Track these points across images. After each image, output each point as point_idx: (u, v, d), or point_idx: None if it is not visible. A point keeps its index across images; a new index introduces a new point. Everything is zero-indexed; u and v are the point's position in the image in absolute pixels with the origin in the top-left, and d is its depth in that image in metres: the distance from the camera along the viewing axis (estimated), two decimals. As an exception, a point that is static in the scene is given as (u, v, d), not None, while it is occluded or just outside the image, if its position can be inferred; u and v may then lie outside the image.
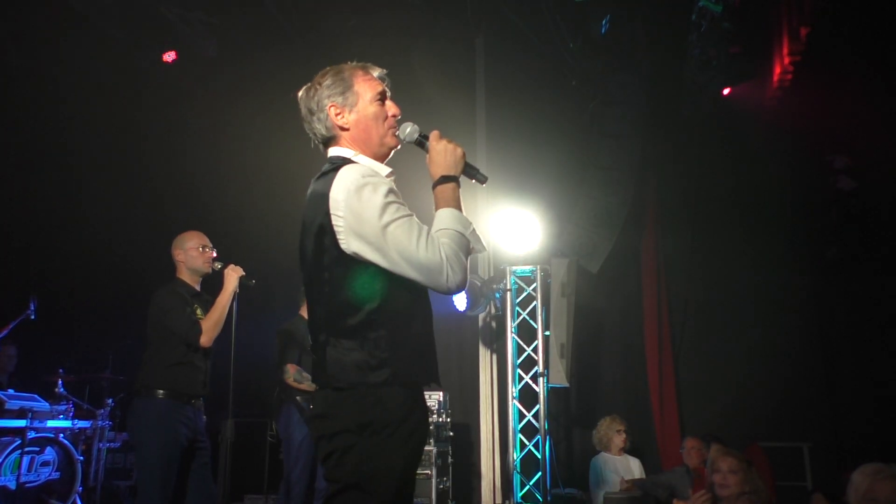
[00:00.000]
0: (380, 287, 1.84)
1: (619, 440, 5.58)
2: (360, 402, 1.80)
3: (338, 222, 1.83)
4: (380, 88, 2.03)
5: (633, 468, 5.52)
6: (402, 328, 1.86)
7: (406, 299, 1.88)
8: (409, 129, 2.02)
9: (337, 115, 1.99)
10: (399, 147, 2.07)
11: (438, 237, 1.84)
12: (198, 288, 3.75)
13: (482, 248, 1.96)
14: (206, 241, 3.77)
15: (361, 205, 1.80)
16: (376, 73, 2.05)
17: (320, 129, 2.01)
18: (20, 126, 6.63)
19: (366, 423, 1.78)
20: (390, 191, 1.84)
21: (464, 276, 1.83)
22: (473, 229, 1.91)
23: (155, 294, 3.62)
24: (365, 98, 2.00)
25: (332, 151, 2.03)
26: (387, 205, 1.80)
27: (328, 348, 1.86)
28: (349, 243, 1.82)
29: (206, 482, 3.48)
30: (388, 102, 2.04)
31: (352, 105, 1.99)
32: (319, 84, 2.02)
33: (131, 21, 6.69)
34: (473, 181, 2.07)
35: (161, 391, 3.40)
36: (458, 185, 1.96)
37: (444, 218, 1.90)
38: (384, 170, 2.01)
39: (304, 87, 2.06)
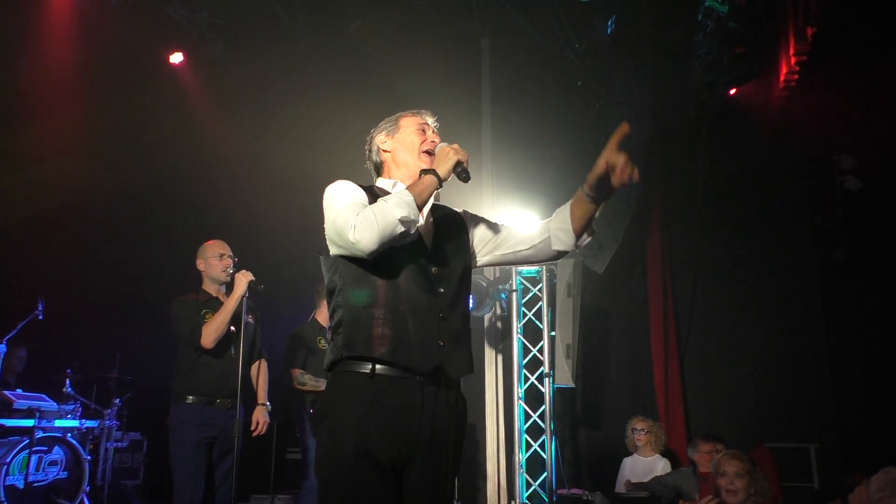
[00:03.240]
0: (339, 278, 2.04)
1: (636, 440, 5.54)
2: (325, 389, 2.04)
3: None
4: (422, 122, 2.27)
5: (657, 470, 5.41)
6: (354, 312, 1.99)
7: (359, 285, 2.00)
8: (438, 148, 2.17)
9: (382, 142, 2.27)
10: None
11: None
12: (221, 295, 3.90)
13: (405, 212, 1.92)
14: (226, 249, 3.93)
15: (325, 207, 2.04)
16: (426, 116, 2.30)
17: (373, 157, 2.29)
18: (27, 126, 6.66)
19: (318, 411, 1.98)
20: (348, 188, 2.06)
21: (366, 232, 1.88)
22: (405, 200, 1.94)
23: (170, 304, 3.84)
24: (407, 129, 2.25)
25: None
26: (336, 197, 2.04)
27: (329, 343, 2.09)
28: (330, 246, 2.04)
29: (225, 483, 3.67)
30: (429, 132, 2.26)
31: (394, 133, 2.26)
32: (376, 127, 2.32)
33: (138, 22, 6.73)
34: (461, 181, 2.14)
35: (186, 395, 3.66)
36: (435, 178, 2.04)
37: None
38: (390, 184, 2.19)
39: None
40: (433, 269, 2.08)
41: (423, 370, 1.96)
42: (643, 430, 5.54)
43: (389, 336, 1.95)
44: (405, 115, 2.28)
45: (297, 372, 4.72)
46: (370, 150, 2.30)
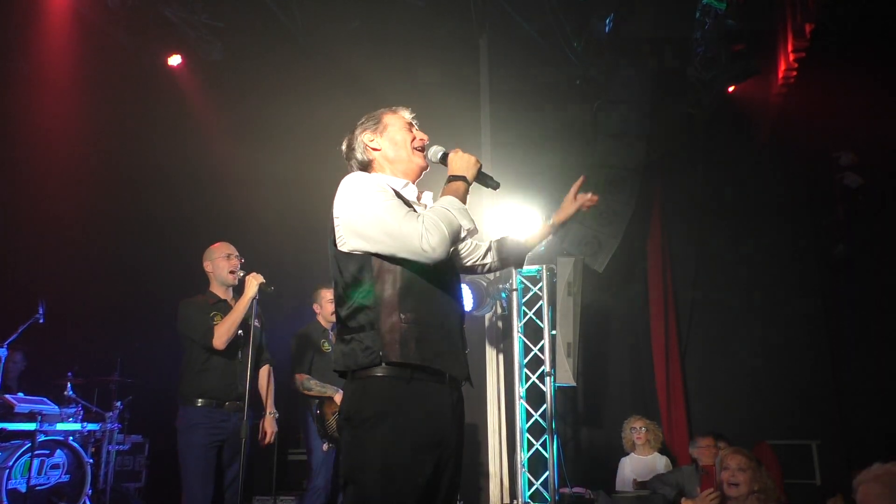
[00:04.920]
0: (368, 277, 1.97)
1: (634, 438, 5.57)
2: (351, 391, 1.96)
3: (337, 223, 2.03)
4: (407, 120, 2.29)
5: (659, 468, 5.46)
6: (389, 316, 1.94)
7: (395, 288, 1.97)
8: (433, 149, 2.23)
9: (370, 140, 2.24)
10: (428, 168, 2.27)
11: (424, 213, 1.97)
12: (229, 297, 3.90)
13: (469, 223, 2.00)
14: (233, 250, 3.94)
15: (351, 201, 2.00)
16: (405, 112, 2.31)
17: (358, 156, 2.25)
18: (26, 129, 6.66)
19: (350, 415, 1.93)
20: (378, 186, 2.01)
21: (440, 238, 1.89)
22: (462, 208, 2.00)
23: (178, 306, 3.82)
24: (394, 126, 2.25)
25: None
26: (373, 194, 1.97)
27: (337, 341, 2.06)
28: (347, 241, 2.00)
29: (235, 483, 3.68)
30: (416, 130, 2.26)
31: (382, 130, 2.24)
32: (356, 126, 2.30)
33: (136, 25, 6.72)
34: (488, 188, 2.26)
35: (196, 398, 3.65)
36: (466, 185, 2.10)
37: (438, 201, 2.04)
38: (400, 182, 2.16)
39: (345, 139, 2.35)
40: (452, 276, 2.13)
41: (461, 375, 2.01)
42: (642, 428, 5.57)
43: (431, 342, 1.95)
44: (386, 113, 2.28)
45: (303, 377, 4.67)
46: (354, 149, 2.26)
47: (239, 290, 3.88)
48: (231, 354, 3.74)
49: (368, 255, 1.97)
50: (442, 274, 2.05)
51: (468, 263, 2.44)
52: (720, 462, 3.67)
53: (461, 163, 2.13)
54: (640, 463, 5.53)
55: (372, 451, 1.86)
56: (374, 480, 1.84)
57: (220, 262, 3.88)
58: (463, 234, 1.96)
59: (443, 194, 2.07)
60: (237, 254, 3.94)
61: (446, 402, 1.98)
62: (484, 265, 2.47)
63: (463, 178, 2.10)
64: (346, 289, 2.02)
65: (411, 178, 2.22)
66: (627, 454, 5.70)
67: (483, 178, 2.20)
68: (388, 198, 1.97)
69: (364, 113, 2.36)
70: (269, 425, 4.01)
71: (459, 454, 2.03)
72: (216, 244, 3.97)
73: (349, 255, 2.00)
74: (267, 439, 4.00)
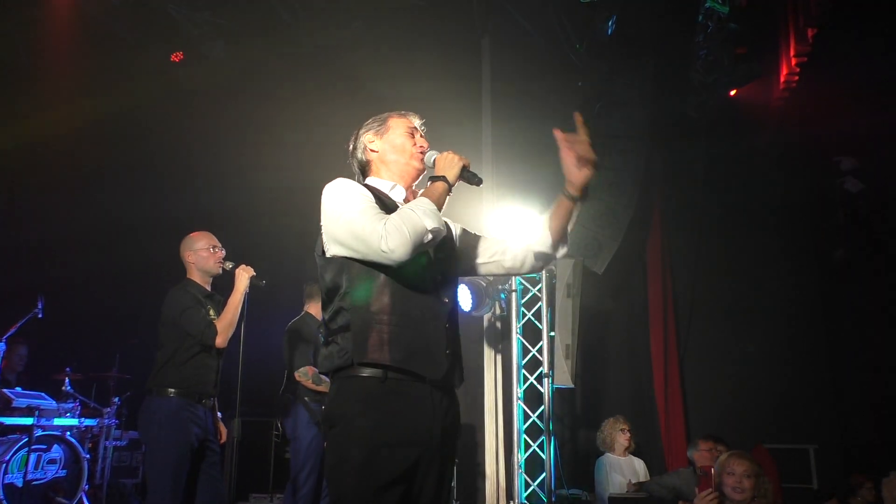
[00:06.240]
0: (345, 280, 2.00)
1: (622, 440, 5.56)
2: (332, 392, 1.99)
3: (322, 231, 2.07)
4: (411, 125, 2.28)
5: (639, 469, 5.51)
6: (362, 317, 1.97)
7: (369, 290, 1.99)
8: (428, 154, 2.23)
9: (370, 141, 2.25)
10: (424, 172, 2.27)
11: (391, 215, 1.97)
12: (209, 288, 3.75)
13: (434, 224, 1.97)
14: (216, 241, 3.77)
15: (328, 208, 2.04)
16: (413, 118, 2.30)
17: (359, 156, 2.28)
18: (27, 126, 6.67)
19: (328, 415, 1.96)
20: (354, 190, 2.04)
21: (401, 240, 1.89)
22: (431, 209, 1.99)
23: (168, 294, 3.61)
24: (396, 130, 2.25)
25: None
26: (346, 198, 2.01)
27: (322, 344, 2.09)
28: (329, 247, 2.04)
29: (216, 482, 3.48)
30: (418, 136, 2.26)
31: (382, 133, 2.25)
32: (361, 125, 2.31)
33: (139, 21, 6.73)
34: (472, 185, 2.24)
35: (172, 390, 3.41)
36: (446, 184, 2.12)
37: (411, 202, 2.05)
38: (388, 185, 2.19)
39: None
40: (438, 276, 2.11)
41: (435, 377, 1.99)
42: (628, 430, 5.57)
43: (403, 343, 1.96)
44: (393, 116, 2.28)
45: (313, 371, 4.58)
46: (355, 148, 2.28)
47: (219, 280, 3.75)
48: (217, 350, 3.58)
49: (346, 260, 2.00)
50: (423, 274, 2.04)
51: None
52: (722, 465, 3.65)
53: (443, 163, 2.16)
54: (624, 464, 5.52)
55: (346, 447, 1.87)
56: (348, 475, 1.85)
57: (205, 252, 3.69)
58: (428, 237, 1.94)
59: (421, 195, 2.08)
60: (220, 245, 3.77)
61: (426, 401, 1.97)
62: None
63: (443, 178, 2.11)
64: (328, 293, 2.06)
65: (405, 181, 2.23)
66: (602, 454, 5.67)
67: (466, 175, 2.20)
68: (361, 202, 2.00)
69: (364, 112, 2.36)
70: (222, 425, 3.80)
71: (447, 456, 2.01)
72: (196, 233, 3.76)
73: (331, 260, 2.04)
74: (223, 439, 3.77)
